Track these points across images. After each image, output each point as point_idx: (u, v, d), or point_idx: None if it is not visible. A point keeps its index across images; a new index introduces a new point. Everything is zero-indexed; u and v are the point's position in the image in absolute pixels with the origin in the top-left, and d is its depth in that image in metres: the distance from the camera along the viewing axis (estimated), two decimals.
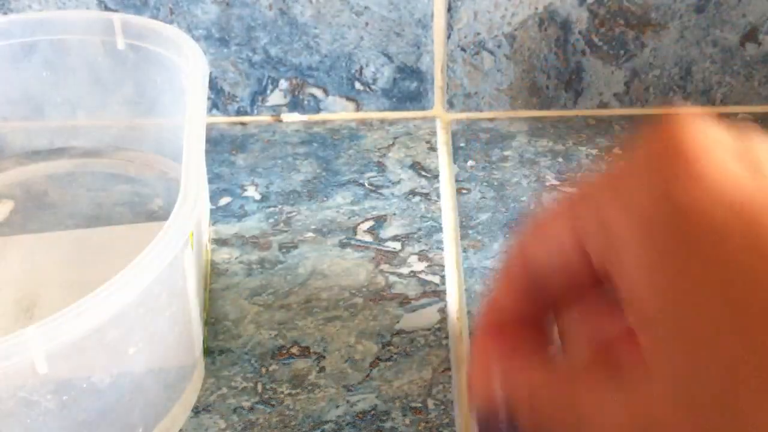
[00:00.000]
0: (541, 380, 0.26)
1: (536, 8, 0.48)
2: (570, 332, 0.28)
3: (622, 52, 0.49)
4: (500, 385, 0.27)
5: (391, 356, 0.37)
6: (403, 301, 0.39)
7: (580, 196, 0.26)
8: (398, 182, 0.46)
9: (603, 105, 0.51)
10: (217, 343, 0.38)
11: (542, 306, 0.28)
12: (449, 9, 0.48)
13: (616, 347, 0.25)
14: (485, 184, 0.46)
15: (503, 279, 0.28)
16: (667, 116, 0.24)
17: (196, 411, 0.35)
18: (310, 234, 0.43)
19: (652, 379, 0.22)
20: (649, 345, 0.23)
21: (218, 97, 0.51)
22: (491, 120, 0.51)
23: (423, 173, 0.47)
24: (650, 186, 0.23)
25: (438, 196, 0.45)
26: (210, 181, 0.46)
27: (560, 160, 0.48)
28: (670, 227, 0.22)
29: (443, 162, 0.48)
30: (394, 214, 0.44)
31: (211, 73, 0.49)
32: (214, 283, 0.40)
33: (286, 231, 0.43)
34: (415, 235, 0.43)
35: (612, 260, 0.24)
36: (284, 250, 0.42)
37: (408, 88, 0.51)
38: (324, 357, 0.37)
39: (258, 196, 0.45)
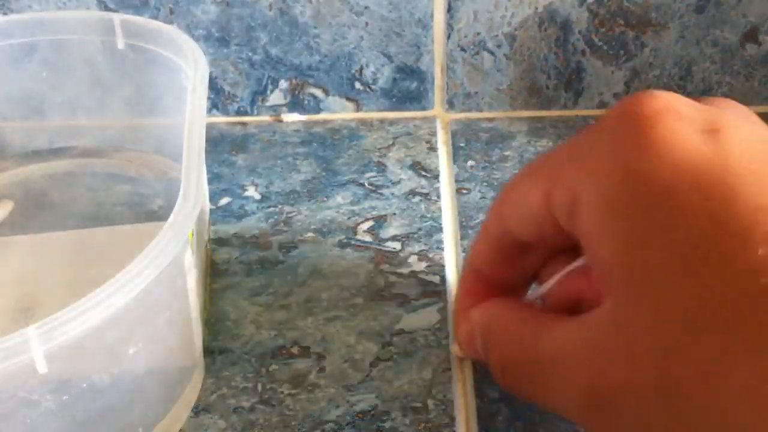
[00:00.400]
0: (508, 312, 0.31)
1: (536, 8, 0.48)
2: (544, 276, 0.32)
3: (622, 52, 0.49)
4: (478, 316, 0.32)
5: (391, 356, 0.37)
6: (403, 301, 0.39)
7: (546, 161, 0.29)
8: (398, 182, 0.46)
9: (603, 105, 0.51)
10: (217, 343, 0.38)
11: (517, 260, 0.32)
12: (449, 9, 0.48)
13: (576, 281, 0.30)
14: (485, 184, 0.46)
15: (483, 235, 0.33)
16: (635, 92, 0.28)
17: (196, 411, 0.35)
18: (310, 234, 0.43)
19: (601, 308, 0.26)
20: (602, 281, 0.26)
21: (218, 97, 0.51)
22: (491, 120, 0.51)
23: (423, 173, 0.47)
24: (610, 151, 0.26)
25: (438, 196, 0.45)
26: (210, 181, 0.46)
27: None
28: (626, 186, 0.25)
29: (443, 162, 0.48)
30: (394, 214, 0.44)
31: (211, 73, 0.49)
32: (214, 283, 0.40)
33: (286, 231, 0.43)
34: (415, 235, 0.43)
35: (574, 215, 0.27)
36: (284, 250, 0.42)
37: (408, 88, 0.51)
38: (324, 357, 0.37)
39: (258, 196, 0.45)
